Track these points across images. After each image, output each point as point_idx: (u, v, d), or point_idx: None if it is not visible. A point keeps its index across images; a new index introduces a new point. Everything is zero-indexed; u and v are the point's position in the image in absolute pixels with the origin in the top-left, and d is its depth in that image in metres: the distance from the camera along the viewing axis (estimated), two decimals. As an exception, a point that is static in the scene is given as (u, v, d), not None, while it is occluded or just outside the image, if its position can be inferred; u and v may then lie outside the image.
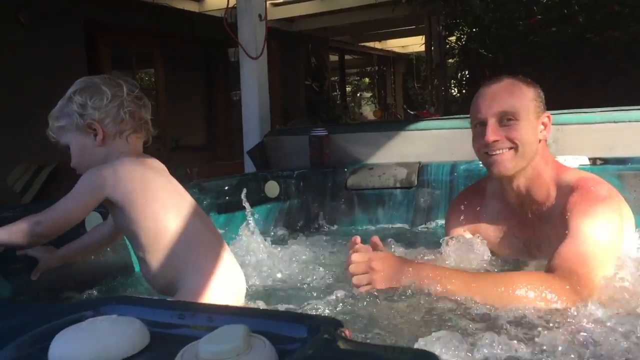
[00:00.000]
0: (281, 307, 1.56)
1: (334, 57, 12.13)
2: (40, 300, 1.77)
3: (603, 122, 2.69)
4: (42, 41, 5.91)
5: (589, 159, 2.51)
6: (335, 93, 12.40)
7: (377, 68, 14.25)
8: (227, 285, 1.61)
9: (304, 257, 2.10)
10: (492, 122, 1.71)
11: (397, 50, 13.58)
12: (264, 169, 3.40)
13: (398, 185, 2.95)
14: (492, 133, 1.70)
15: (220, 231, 1.81)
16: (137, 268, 2.01)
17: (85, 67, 6.31)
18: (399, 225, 2.90)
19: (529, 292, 1.39)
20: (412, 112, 9.14)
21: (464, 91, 7.62)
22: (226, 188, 2.85)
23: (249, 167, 3.60)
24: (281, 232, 2.85)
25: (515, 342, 1.11)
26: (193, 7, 7.76)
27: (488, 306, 1.36)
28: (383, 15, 8.54)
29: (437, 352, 0.94)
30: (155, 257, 1.58)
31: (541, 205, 1.77)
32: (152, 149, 1.76)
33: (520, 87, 1.75)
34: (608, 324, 1.22)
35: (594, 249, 1.52)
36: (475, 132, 1.78)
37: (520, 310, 1.33)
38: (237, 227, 2.73)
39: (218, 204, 2.72)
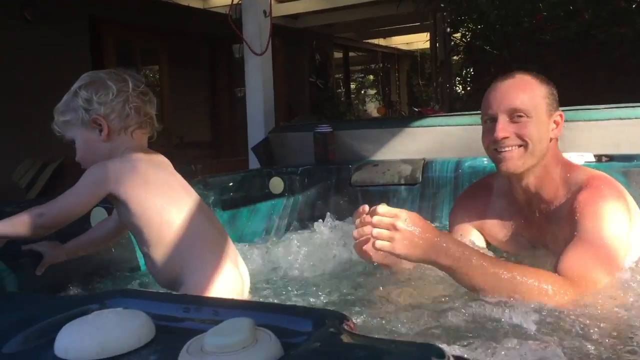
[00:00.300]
0: (286, 302, 1.56)
1: (338, 54, 12.10)
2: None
3: (609, 119, 2.68)
4: (47, 38, 5.92)
5: (595, 156, 2.50)
6: (339, 90, 12.38)
7: (381, 65, 14.20)
8: (231, 280, 1.61)
9: (308, 252, 2.09)
10: (502, 119, 1.67)
11: (401, 47, 13.53)
12: (268, 165, 3.40)
13: (402, 182, 2.94)
14: (502, 129, 1.66)
15: (224, 227, 1.81)
16: (142, 263, 2.02)
17: (89, 63, 6.32)
18: (403, 222, 2.88)
19: (540, 289, 1.38)
20: (416, 110, 9.12)
21: (468, 88, 7.59)
22: (231, 184, 2.86)
23: (254, 163, 3.60)
24: (285, 228, 2.85)
25: (521, 339, 1.11)
26: (198, 4, 7.76)
27: (495, 299, 1.36)
28: (387, 12, 8.51)
29: (442, 345, 0.94)
30: (160, 252, 1.59)
31: (549, 204, 1.74)
32: (156, 146, 1.76)
33: (533, 83, 1.71)
34: (615, 325, 1.21)
35: (604, 251, 1.50)
36: (485, 127, 1.75)
37: (527, 308, 1.33)
38: (241, 223, 2.74)
39: (222, 200, 2.72)
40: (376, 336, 0.77)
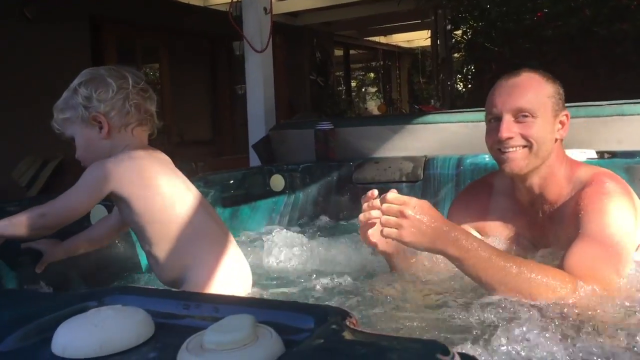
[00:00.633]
0: (288, 299, 1.55)
1: (338, 52, 12.09)
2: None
3: (611, 115, 2.67)
4: (47, 36, 5.92)
5: (597, 152, 2.49)
6: (340, 88, 12.36)
7: (382, 63, 14.18)
8: (233, 277, 1.61)
9: (309, 250, 2.09)
10: (507, 118, 1.63)
11: (402, 44, 13.51)
12: (269, 163, 3.39)
13: (404, 179, 2.93)
14: (506, 129, 1.62)
15: (225, 225, 1.80)
16: (143, 261, 2.01)
17: (90, 61, 6.31)
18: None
19: (547, 286, 1.36)
20: (417, 107, 9.11)
21: (469, 86, 7.59)
22: (231, 182, 2.85)
23: (254, 161, 3.59)
24: (286, 225, 2.84)
25: (525, 337, 1.10)
26: (198, 1, 7.74)
27: (500, 296, 1.34)
28: (388, 9, 8.49)
29: (446, 342, 0.93)
30: (162, 249, 1.58)
31: (553, 205, 1.71)
32: (157, 144, 1.75)
33: (539, 82, 1.67)
34: (622, 323, 1.20)
35: (611, 247, 1.47)
36: (490, 127, 1.71)
37: (533, 305, 1.31)
38: (242, 220, 2.74)
39: (223, 198, 2.72)
40: (379, 333, 0.76)
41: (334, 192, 3.07)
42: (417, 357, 0.65)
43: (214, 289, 1.54)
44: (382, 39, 12.90)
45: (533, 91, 1.64)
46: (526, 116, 1.62)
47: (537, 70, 1.73)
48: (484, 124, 1.76)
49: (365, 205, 1.52)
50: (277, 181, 3.05)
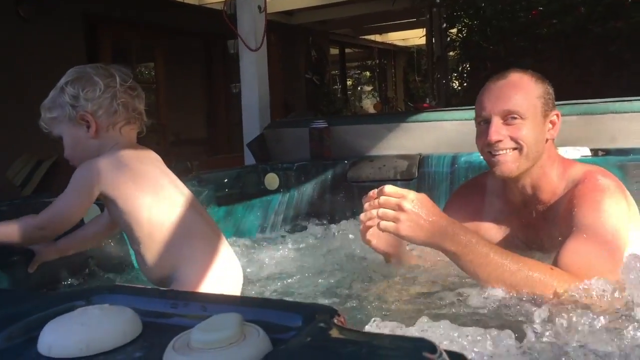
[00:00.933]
0: (277, 297, 1.55)
1: (334, 51, 12.09)
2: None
3: (605, 113, 2.67)
4: (41, 34, 5.89)
5: (591, 150, 2.49)
6: (335, 86, 12.36)
7: (377, 61, 14.19)
8: (224, 277, 1.60)
9: (303, 249, 2.09)
10: (495, 121, 1.62)
11: (397, 43, 13.51)
12: (263, 161, 3.38)
13: (398, 177, 2.92)
14: (495, 133, 1.61)
15: (219, 224, 1.79)
16: (134, 260, 2.00)
17: (85, 60, 6.28)
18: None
19: (544, 283, 1.36)
20: (411, 105, 9.10)
21: (465, 84, 7.59)
22: (226, 180, 2.84)
23: (249, 159, 3.58)
24: (281, 224, 2.84)
25: (517, 335, 1.09)
26: (193, 0, 7.73)
27: (495, 294, 1.34)
28: (383, 7, 8.48)
29: (436, 340, 0.92)
30: (150, 249, 1.57)
31: (546, 204, 1.70)
32: (151, 143, 1.74)
33: (528, 83, 1.65)
34: (618, 320, 1.20)
35: (605, 243, 1.47)
36: (479, 129, 1.70)
37: (525, 303, 1.31)
38: (236, 219, 2.73)
39: (217, 197, 2.71)
40: (368, 331, 0.76)
41: (329, 190, 3.06)
42: (405, 354, 0.64)
43: (203, 289, 1.53)
44: (377, 38, 12.90)
45: (521, 93, 1.63)
46: (515, 118, 1.61)
47: (525, 70, 1.71)
48: (479, 122, 1.75)
49: (366, 205, 1.51)
50: (272, 180, 3.04)
